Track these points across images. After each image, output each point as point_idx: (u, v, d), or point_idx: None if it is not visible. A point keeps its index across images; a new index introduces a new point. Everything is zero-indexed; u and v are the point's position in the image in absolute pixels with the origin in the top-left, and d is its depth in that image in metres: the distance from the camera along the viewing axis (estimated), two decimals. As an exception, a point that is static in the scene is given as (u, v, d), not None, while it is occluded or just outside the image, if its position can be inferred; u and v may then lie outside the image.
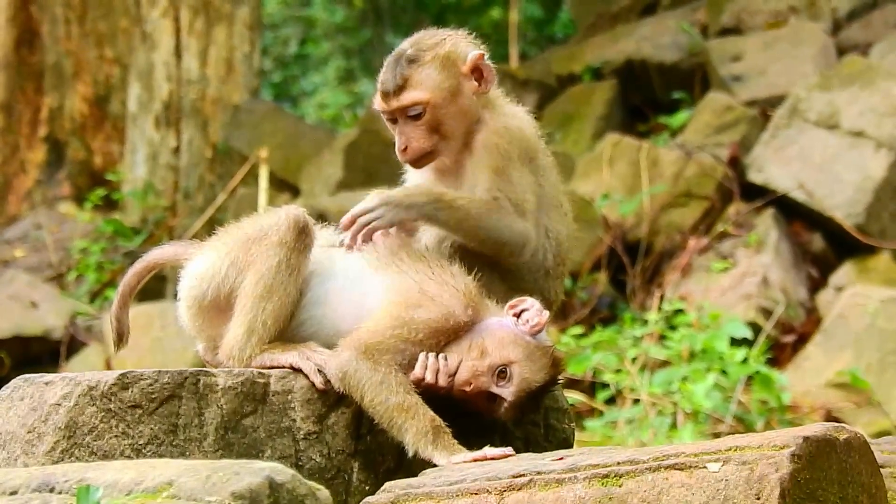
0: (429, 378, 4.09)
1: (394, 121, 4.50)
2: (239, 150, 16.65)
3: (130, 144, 17.03)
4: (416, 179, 4.63)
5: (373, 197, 4.38)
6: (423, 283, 4.23)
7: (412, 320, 4.15)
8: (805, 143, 11.65)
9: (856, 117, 11.59)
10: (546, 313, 4.25)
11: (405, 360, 4.11)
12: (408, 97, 4.43)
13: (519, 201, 4.46)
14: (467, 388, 4.11)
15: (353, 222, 4.37)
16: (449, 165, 4.53)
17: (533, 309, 4.25)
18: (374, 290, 4.28)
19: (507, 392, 4.14)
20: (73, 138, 17.59)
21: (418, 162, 4.51)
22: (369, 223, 4.36)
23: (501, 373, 4.13)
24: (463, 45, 4.52)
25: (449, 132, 4.47)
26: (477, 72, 4.49)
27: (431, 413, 4.02)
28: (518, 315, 4.25)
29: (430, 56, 4.45)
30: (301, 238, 4.25)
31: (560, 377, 4.35)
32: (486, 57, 4.51)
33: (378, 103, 4.50)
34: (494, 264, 4.45)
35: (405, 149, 4.47)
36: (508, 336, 4.19)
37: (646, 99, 14.23)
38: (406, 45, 4.49)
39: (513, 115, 4.59)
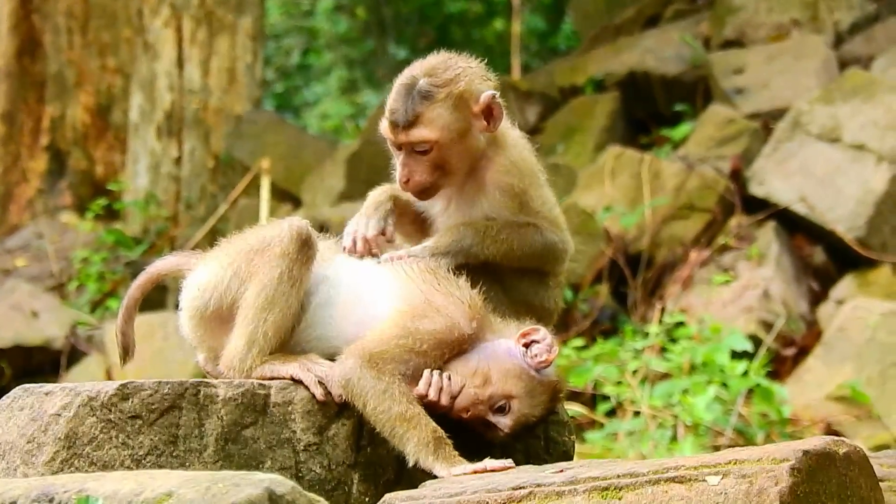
0: (432, 396, 4.09)
1: (399, 148, 4.49)
2: (241, 161, 16.65)
3: (132, 154, 17.04)
4: (429, 206, 4.64)
5: (420, 251, 4.43)
6: (429, 294, 4.24)
7: (417, 331, 4.16)
8: (807, 157, 11.65)
9: (857, 131, 11.60)
10: (556, 349, 4.26)
11: (409, 371, 4.12)
12: (417, 134, 4.41)
13: (550, 218, 4.57)
14: (465, 415, 4.13)
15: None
16: (453, 193, 4.55)
17: (543, 343, 4.25)
18: (381, 298, 4.29)
19: (504, 423, 4.17)
20: (74, 148, 17.60)
21: (420, 195, 4.53)
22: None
23: (500, 406, 4.15)
24: (477, 82, 4.47)
25: (453, 169, 4.47)
26: (487, 111, 4.46)
27: (433, 424, 4.03)
28: (528, 345, 4.26)
29: (443, 94, 4.40)
30: (304, 250, 4.25)
31: (556, 408, 4.37)
32: (497, 96, 4.47)
33: (385, 131, 4.47)
34: (497, 277, 4.47)
35: (407, 181, 4.47)
36: (514, 369, 4.20)
37: (648, 111, 14.22)
38: (419, 73, 4.44)
39: (514, 145, 4.59)
